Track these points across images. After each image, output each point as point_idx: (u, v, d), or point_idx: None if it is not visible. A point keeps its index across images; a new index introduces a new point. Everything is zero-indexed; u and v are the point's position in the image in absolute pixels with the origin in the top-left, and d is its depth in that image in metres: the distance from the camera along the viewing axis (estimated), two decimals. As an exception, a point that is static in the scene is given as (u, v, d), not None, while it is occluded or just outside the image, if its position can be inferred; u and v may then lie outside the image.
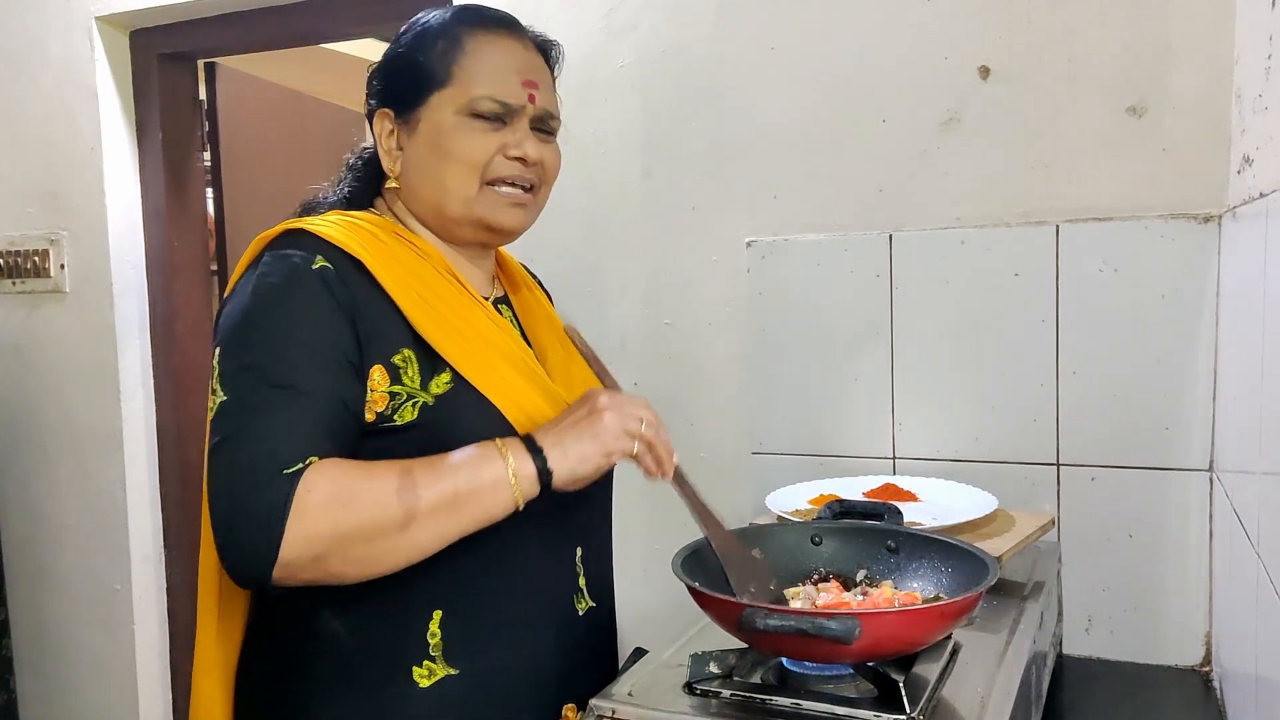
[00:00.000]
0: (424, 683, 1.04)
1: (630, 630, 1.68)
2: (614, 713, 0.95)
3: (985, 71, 1.53)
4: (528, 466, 0.98)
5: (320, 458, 0.95)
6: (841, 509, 1.24)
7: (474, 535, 1.01)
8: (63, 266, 2.30)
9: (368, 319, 1.02)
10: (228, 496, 0.93)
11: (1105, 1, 1.46)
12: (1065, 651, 1.50)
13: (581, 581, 1.16)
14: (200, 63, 2.42)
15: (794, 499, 1.45)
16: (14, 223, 2.35)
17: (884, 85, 1.59)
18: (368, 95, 1.19)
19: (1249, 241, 1.17)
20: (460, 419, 1.04)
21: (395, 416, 1.02)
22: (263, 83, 2.67)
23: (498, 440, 0.99)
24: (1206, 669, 1.45)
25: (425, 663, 1.04)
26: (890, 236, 1.59)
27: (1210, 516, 1.43)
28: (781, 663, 1.00)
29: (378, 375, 1.02)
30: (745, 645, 0.97)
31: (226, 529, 0.93)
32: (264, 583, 0.93)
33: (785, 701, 0.92)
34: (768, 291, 1.68)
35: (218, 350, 1.01)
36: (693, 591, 0.98)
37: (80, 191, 2.27)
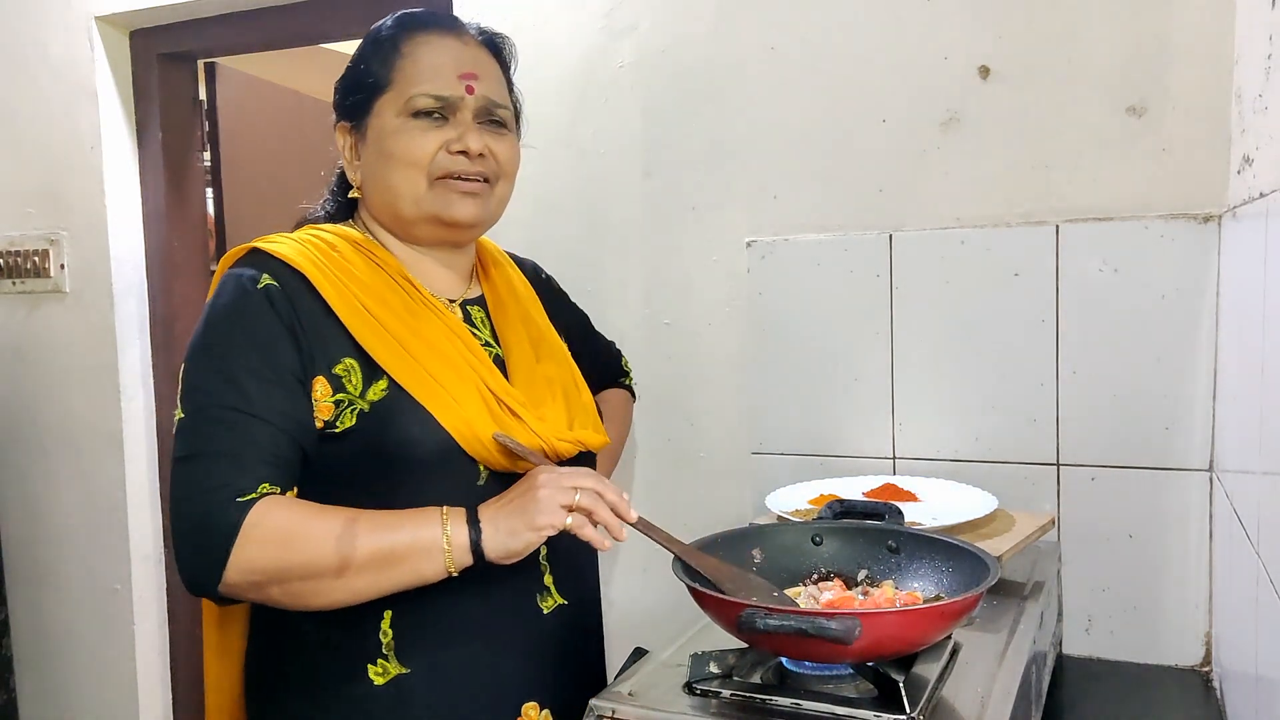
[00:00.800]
0: (379, 680, 1.08)
1: (630, 630, 1.68)
2: (614, 713, 0.95)
3: (985, 71, 1.53)
4: (462, 537, 1.00)
5: (272, 483, 1.01)
6: (842, 509, 1.24)
7: None
8: (63, 266, 2.30)
9: (310, 332, 1.07)
10: (186, 514, 1.01)
11: (1105, 1, 1.46)
12: (1065, 651, 1.50)
13: (547, 580, 1.17)
14: (200, 63, 2.42)
15: (794, 499, 1.45)
16: (14, 223, 2.34)
17: (884, 85, 1.59)
18: (333, 111, 1.23)
19: (1249, 241, 1.17)
20: (394, 424, 1.06)
21: (338, 424, 1.06)
22: (263, 83, 2.67)
23: (444, 508, 1.02)
24: (1206, 669, 1.45)
25: (380, 661, 1.08)
26: (890, 236, 1.59)
27: (1210, 516, 1.43)
28: (781, 663, 1.00)
29: (320, 387, 1.06)
30: (745, 645, 0.97)
31: (180, 543, 1.01)
32: (209, 596, 1.02)
33: (785, 701, 0.92)
34: (768, 291, 1.68)
35: (182, 367, 1.07)
36: (693, 591, 0.98)
37: (80, 191, 2.27)
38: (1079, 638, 1.51)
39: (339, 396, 1.06)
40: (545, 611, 1.16)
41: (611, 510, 1.01)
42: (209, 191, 2.51)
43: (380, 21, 1.20)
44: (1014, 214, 1.53)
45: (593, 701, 0.97)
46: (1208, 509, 1.43)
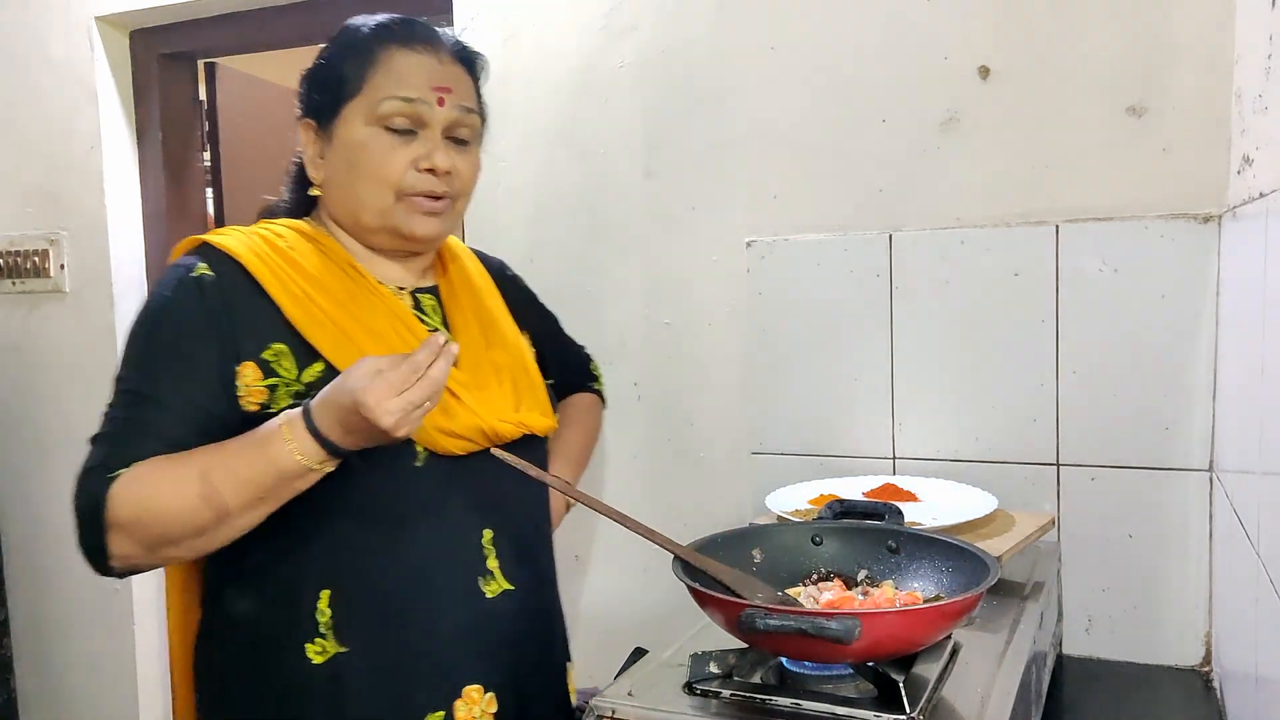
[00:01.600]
0: (317, 659, 1.09)
1: (630, 630, 1.68)
2: (614, 712, 0.95)
3: (985, 71, 1.53)
4: (317, 453, 1.00)
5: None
6: (842, 509, 1.24)
7: (364, 518, 1.09)
8: (63, 266, 2.30)
9: (241, 319, 1.09)
10: (74, 495, 1.05)
11: (1105, 1, 1.46)
12: (1065, 651, 1.50)
13: (491, 564, 1.17)
14: (200, 63, 2.42)
15: (794, 499, 1.45)
16: (14, 223, 2.34)
17: (884, 85, 1.59)
18: (297, 103, 1.24)
19: (1249, 241, 1.17)
20: None
21: (273, 405, 1.08)
22: (263, 83, 2.67)
23: (285, 428, 1.01)
24: (1206, 669, 1.45)
25: (317, 639, 1.09)
26: (890, 236, 1.59)
27: (1210, 516, 1.43)
28: (781, 663, 1.00)
29: (250, 372, 1.08)
30: (745, 645, 0.97)
31: (74, 522, 1.04)
32: (109, 574, 1.05)
33: (785, 701, 0.92)
34: (768, 291, 1.68)
35: None
36: (693, 591, 0.98)
37: (80, 191, 2.27)
38: (1079, 638, 1.51)
39: (271, 381, 1.08)
40: (489, 596, 1.16)
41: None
42: (209, 191, 2.51)
43: (357, 20, 1.20)
44: (1014, 214, 1.53)
45: (593, 701, 0.97)
46: (1208, 509, 1.43)
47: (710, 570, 1.02)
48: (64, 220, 2.30)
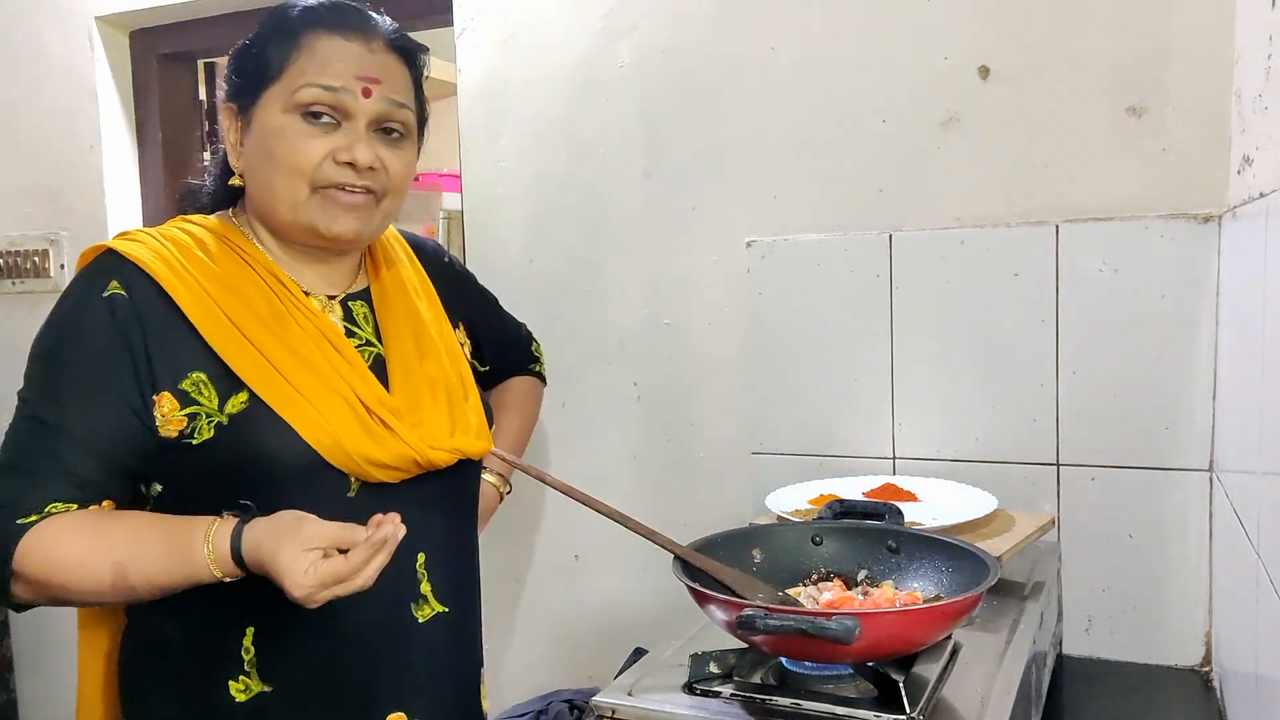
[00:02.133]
0: (240, 697, 1.06)
1: (630, 630, 1.68)
2: (614, 712, 0.95)
3: (985, 71, 1.53)
4: (234, 570, 0.97)
5: (66, 502, 0.99)
6: (842, 509, 1.24)
7: None
8: (63, 266, 2.30)
9: (158, 345, 1.03)
10: None
11: (1105, 1, 1.46)
12: (1065, 651, 1.50)
13: (424, 588, 1.14)
14: (200, 63, 2.42)
15: (794, 499, 1.45)
16: (14, 223, 2.34)
17: (884, 85, 1.59)
18: (222, 85, 1.17)
19: (1249, 241, 1.17)
20: (253, 438, 1.03)
21: (194, 436, 1.03)
22: (263, 83, 2.66)
23: (208, 546, 0.97)
24: (1206, 669, 1.45)
25: (241, 677, 1.06)
26: (890, 236, 1.59)
27: (1210, 516, 1.43)
28: (781, 663, 1.00)
29: (167, 403, 1.02)
30: (745, 645, 0.97)
31: None
32: (8, 606, 1.02)
33: (785, 701, 0.92)
34: (768, 291, 1.68)
35: None
36: (693, 591, 0.98)
37: (80, 191, 2.27)
38: (1079, 638, 1.51)
39: (190, 410, 1.02)
40: (422, 621, 1.14)
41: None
42: (209, 191, 2.50)
43: (284, 5, 1.13)
44: (1014, 214, 1.53)
45: (593, 701, 0.97)
46: (1208, 509, 1.43)
47: (710, 570, 1.02)
48: (64, 220, 2.30)
